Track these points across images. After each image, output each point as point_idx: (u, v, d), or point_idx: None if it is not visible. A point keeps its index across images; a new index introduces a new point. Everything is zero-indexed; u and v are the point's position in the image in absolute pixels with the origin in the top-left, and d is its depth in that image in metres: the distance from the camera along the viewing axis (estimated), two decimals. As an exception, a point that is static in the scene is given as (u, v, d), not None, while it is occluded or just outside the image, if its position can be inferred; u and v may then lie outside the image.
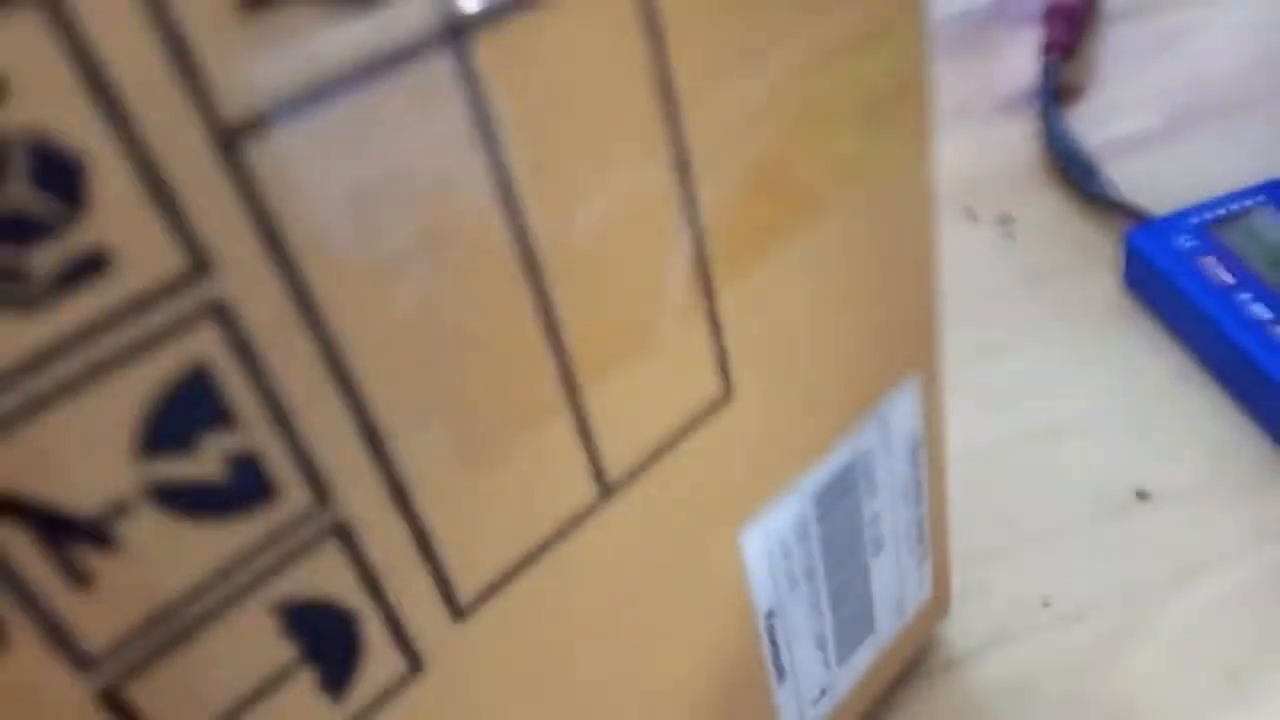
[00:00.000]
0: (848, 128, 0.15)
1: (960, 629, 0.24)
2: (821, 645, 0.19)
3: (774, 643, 0.18)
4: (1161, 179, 0.33)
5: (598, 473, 0.14)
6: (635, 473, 0.14)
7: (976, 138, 0.38)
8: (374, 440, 0.11)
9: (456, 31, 0.10)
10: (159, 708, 0.10)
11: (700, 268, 0.14)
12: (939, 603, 0.23)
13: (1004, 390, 0.29)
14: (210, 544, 0.10)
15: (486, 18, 0.11)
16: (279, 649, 0.11)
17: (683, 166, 0.13)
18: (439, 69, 0.10)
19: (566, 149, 0.12)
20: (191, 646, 0.10)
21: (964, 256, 0.34)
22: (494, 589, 0.13)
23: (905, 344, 0.18)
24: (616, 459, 0.14)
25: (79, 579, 0.09)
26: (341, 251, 0.10)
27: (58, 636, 0.09)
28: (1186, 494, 0.26)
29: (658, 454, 0.14)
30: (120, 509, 0.09)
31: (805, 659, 0.19)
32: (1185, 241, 0.30)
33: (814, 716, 0.20)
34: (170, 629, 0.10)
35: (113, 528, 0.09)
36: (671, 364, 0.14)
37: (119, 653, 0.10)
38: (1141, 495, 0.26)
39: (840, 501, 0.18)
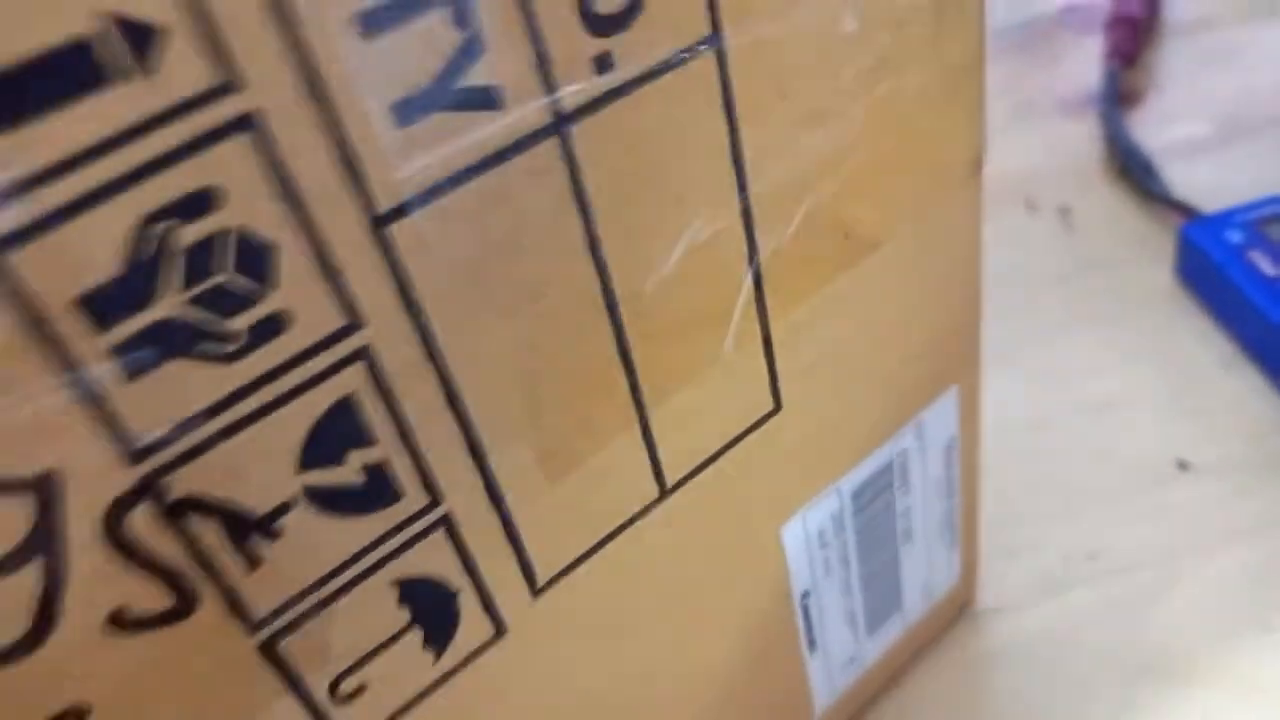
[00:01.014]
0: (901, 176, 0.17)
1: (1010, 580, 0.26)
2: (851, 621, 0.22)
3: (808, 619, 0.20)
4: (1213, 182, 0.34)
5: (658, 477, 0.16)
6: (690, 477, 0.17)
7: (1039, 136, 0.39)
8: (476, 454, 0.13)
9: (561, 123, 0.13)
10: (303, 659, 0.13)
11: (758, 302, 0.16)
12: (967, 584, 0.25)
13: (1058, 368, 0.31)
14: (348, 535, 0.13)
15: (585, 110, 0.13)
16: (396, 615, 0.14)
17: (746, 218, 0.15)
18: (545, 154, 0.13)
19: (645, 212, 0.14)
20: (331, 612, 0.13)
21: (1024, 244, 0.35)
22: (565, 572, 0.15)
23: (946, 361, 0.20)
24: (674, 466, 0.16)
25: (251, 561, 0.12)
26: (461, 304, 0.13)
27: (233, 604, 0.12)
28: (1226, 467, 0.28)
29: (711, 461, 0.17)
30: (284, 508, 0.12)
31: (835, 632, 0.21)
32: (1235, 236, 0.31)
33: (842, 681, 0.23)
34: (316, 599, 0.13)
35: (278, 523, 0.12)
36: (727, 385, 0.16)
37: (277, 616, 0.13)
38: (1183, 466, 0.28)
39: (876, 498, 0.20)
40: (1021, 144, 0.40)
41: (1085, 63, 0.42)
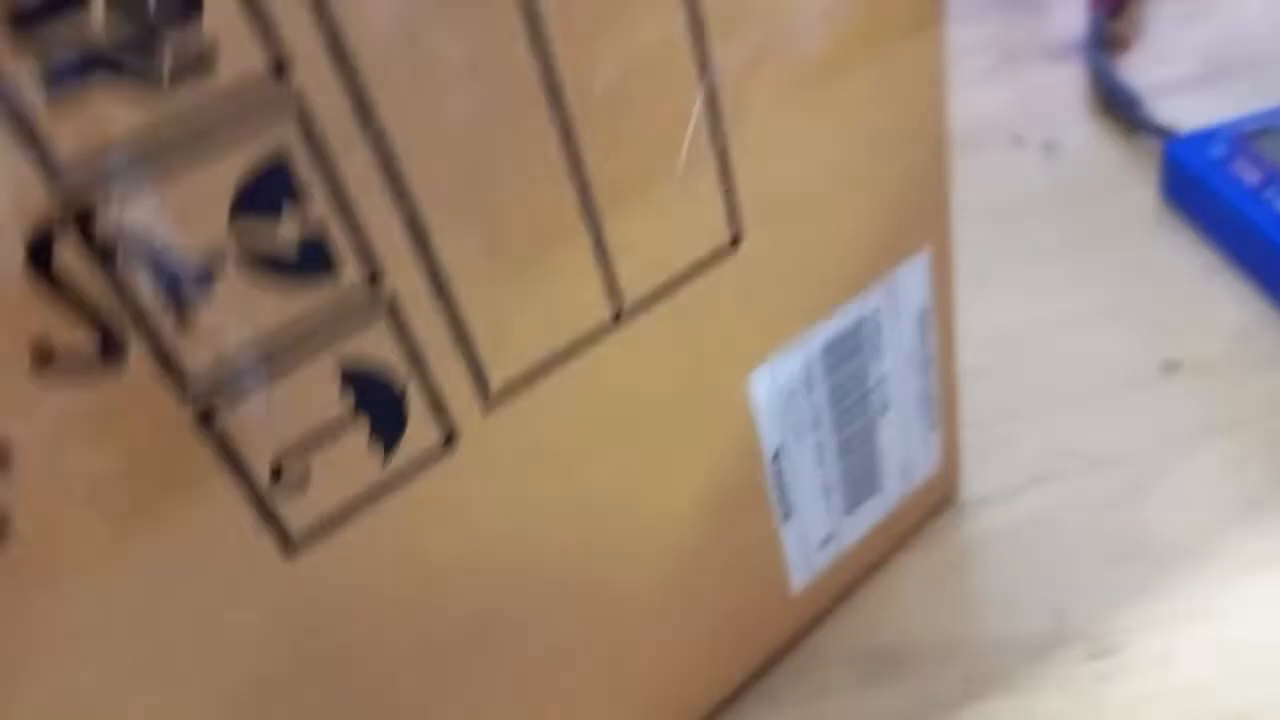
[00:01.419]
0: (859, 3, 0.17)
1: (994, 474, 0.26)
2: (826, 494, 0.21)
3: (780, 482, 0.20)
4: (1196, 118, 0.34)
5: (614, 295, 0.16)
6: (649, 301, 0.16)
7: (1025, 80, 0.40)
8: (418, 232, 0.13)
9: (496, -110, 0.13)
10: (242, 435, 0.13)
11: (712, 122, 0.16)
12: (948, 475, 0.25)
13: (1044, 284, 0.31)
14: (286, 305, 0.13)
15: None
16: (339, 403, 0.14)
17: (697, 29, 0.15)
18: (481, -78, 0.13)
19: (589, 5, 0.14)
20: (269, 389, 0.13)
21: (1009, 176, 0.35)
22: (520, 385, 0.15)
23: (914, 217, 0.20)
24: (632, 285, 0.16)
25: (182, 319, 0.12)
26: (396, 68, 0.13)
27: (165, 362, 0.12)
28: (1211, 366, 0.27)
29: (670, 287, 0.17)
30: (217, 264, 0.12)
31: (810, 503, 0.21)
32: (1218, 150, 0.31)
33: (820, 561, 0.22)
34: (253, 371, 0.13)
35: (209, 279, 0.12)
36: (684, 208, 0.16)
37: (212, 385, 0.12)
38: (1169, 366, 0.27)
39: (847, 359, 0.20)
40: (1007, 88, 0.40)
41: (1072, 16, 0.43)
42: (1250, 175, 0.30)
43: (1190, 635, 0.21)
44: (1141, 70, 0.39)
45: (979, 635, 0.22)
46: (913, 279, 0.21)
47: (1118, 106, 0.36)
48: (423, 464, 0.15)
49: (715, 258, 0.17)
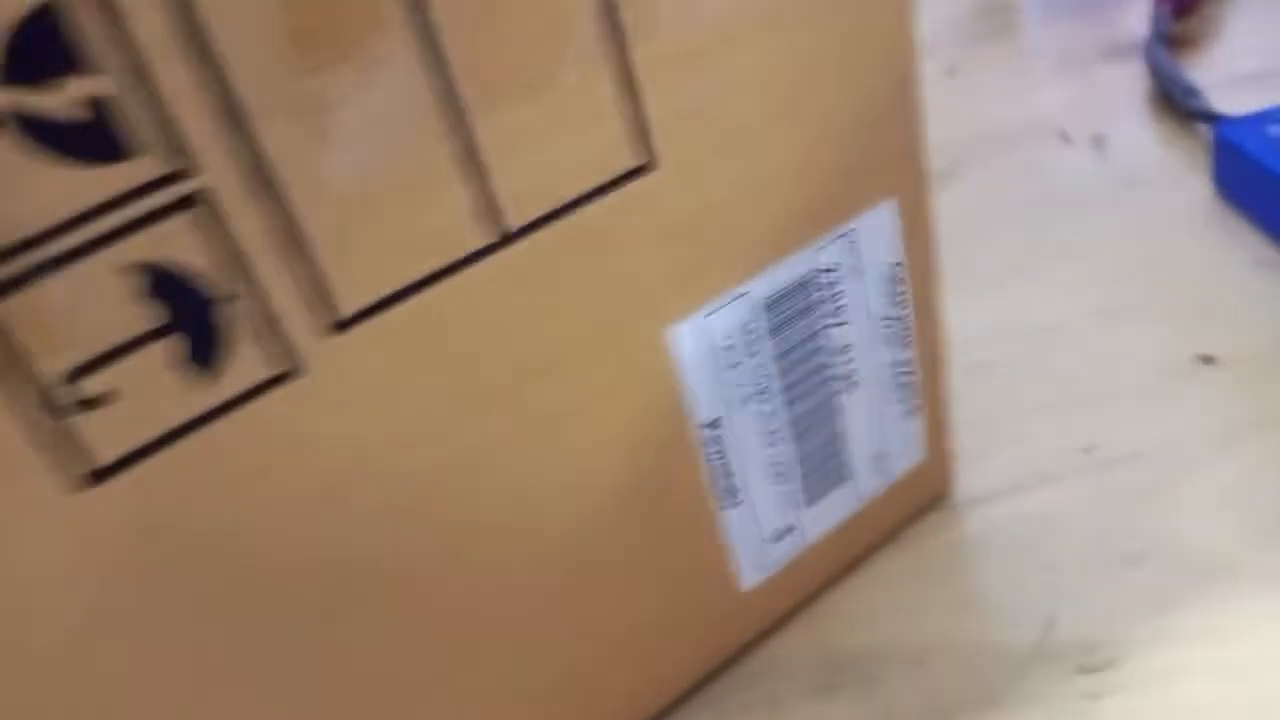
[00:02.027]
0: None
1: (993, 470, 0.23)
2: (781, 478, 0.19)
3: (719, 458, 0.18)
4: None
5: (494, 214, 0.14)
6: (538, 225, 0.15)
7: (1080, 80, 0.37)
8: (236, 116, 0.12)
9: None
10: (26, 332, 0.11)
11: (609, 19, 0.14)
12: (937, 470, 0.22)
13: (1080, 279, 0.28)
14: (70, 187, 0.11)
15: None
16: (144, 311, 0.12)
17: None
18: None
19: None
20: (54, 284, 0.11)
21: (1054, 171, 0.33)
22: (378, 307, 0.14)
23: (874, 161, 0.18)
24: (516, 205, 0.14)
25: (-58, 189, 0.11)
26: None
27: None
28: (1250, 361, 0.25)
29: (565, 210, 0.15)
30: (-20, 128, 0.11)
31: (760, 488, 0.19)
32: (1275, 129, 0.28)
33: (776, 556, 0.20)
34: (32, 259, 0.11)
35: (-28, 145, 0.11)
36: (577, 117, 0.14)
37: (-17, 269, 0.11)
38: (1205, 360, 0.25)
39: (796, 319, 0.18)
40: (1059, 88, 0.37)
41: (1135, 20, 0.40)
42: (1308, 157, 0.27)
43: (1193, 653, 0.18)
44: (1207, 68, 0.36)
45: (956, 644, 0.20)
46: (875, 233, 0.18)
47: (1173, 97, 0.34)
48: (253, 392, 0.13)
49: (621, 184, 0.15)
